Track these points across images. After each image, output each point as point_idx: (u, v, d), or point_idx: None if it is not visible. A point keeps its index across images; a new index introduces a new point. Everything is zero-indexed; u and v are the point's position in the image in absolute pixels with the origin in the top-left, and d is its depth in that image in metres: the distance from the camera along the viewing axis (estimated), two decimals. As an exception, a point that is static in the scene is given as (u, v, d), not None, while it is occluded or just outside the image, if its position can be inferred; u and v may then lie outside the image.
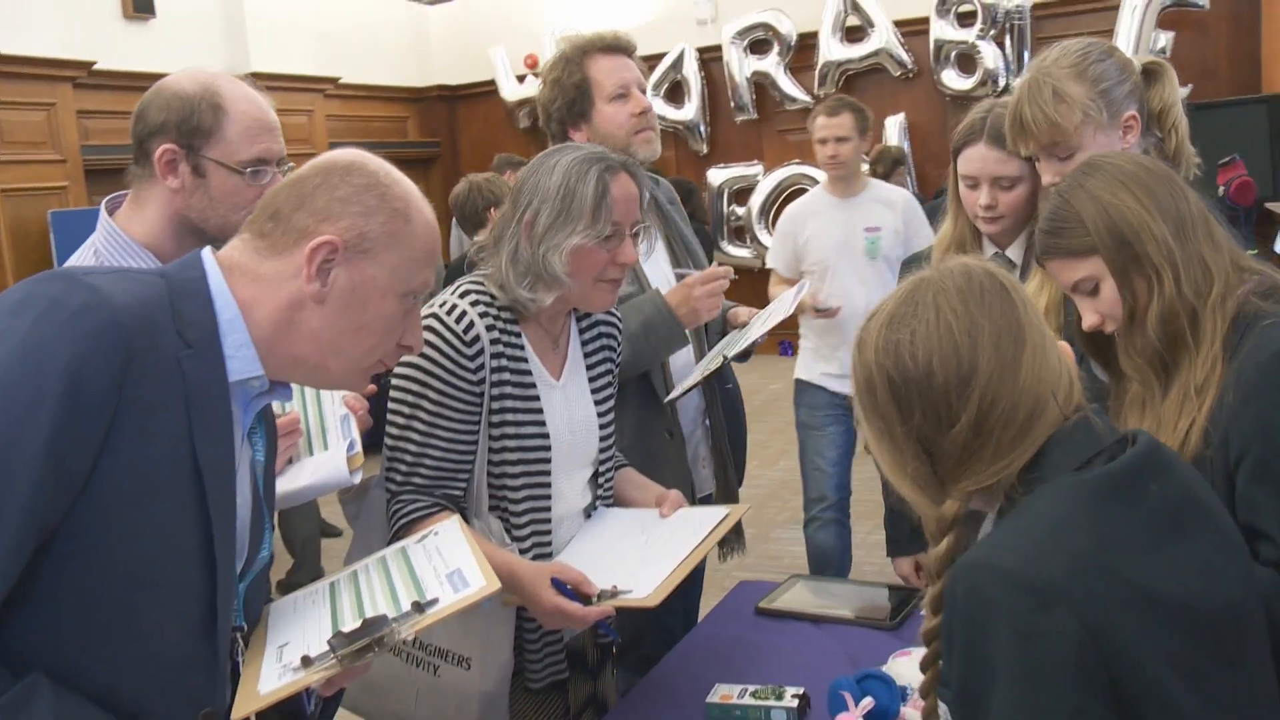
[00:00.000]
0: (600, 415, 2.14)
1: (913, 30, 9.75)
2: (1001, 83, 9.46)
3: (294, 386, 1.98)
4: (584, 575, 1.87)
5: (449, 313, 1.92)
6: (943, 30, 9.52)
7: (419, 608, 1.44)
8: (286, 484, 1.85)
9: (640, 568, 1.94)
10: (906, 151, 8.32)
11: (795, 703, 1.86)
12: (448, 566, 1.61)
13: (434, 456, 1.92)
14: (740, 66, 10.38)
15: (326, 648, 1.38)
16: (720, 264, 2.66)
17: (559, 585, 1.84)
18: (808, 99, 10.22)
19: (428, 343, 1.88)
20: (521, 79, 11.47)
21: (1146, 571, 1.06)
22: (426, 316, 1.91)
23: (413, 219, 1.42)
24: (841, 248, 4.21)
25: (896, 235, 4.18)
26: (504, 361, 1.96)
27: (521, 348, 2.00)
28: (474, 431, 1.95)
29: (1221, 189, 6.01)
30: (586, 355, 2.16)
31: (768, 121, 10.60)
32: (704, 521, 2.06)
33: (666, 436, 2.62)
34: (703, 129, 10.84)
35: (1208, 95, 8.19)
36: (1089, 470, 1.12)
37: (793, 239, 4.31)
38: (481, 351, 1.92)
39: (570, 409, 2.07)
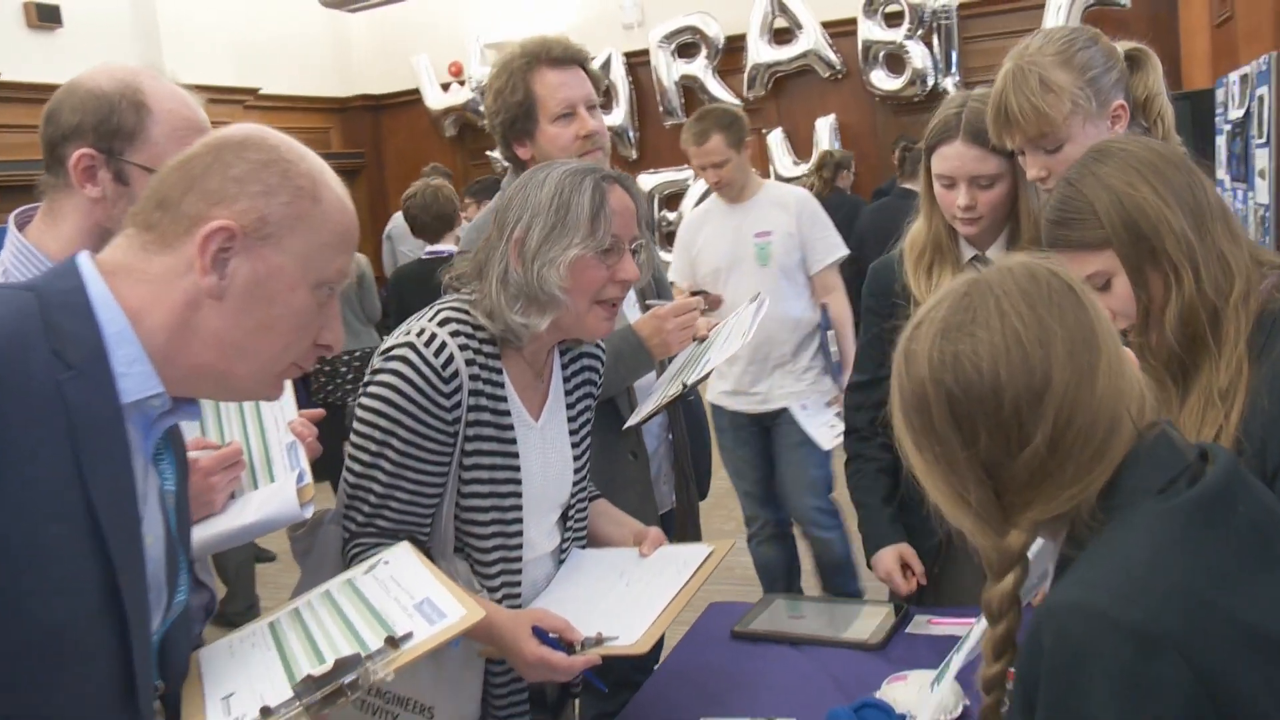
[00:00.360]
0: (575, 459, 2.00)
1: (841, 31, 9.74)
2: (930, 82, 9.51)
3: (234, 413, 1.85)
4: (567, 622, 1.73)
5: (427, 344, 1.75)
6: (870, 31, 9.52)
7: (393, 643, 1.29)
8: (230, 521, 1.69)
9: (624, 612, 1.81)
10: (849, 155, 8.22)
11: (789, 734, 1.75)
12: (412, 596, 1.48)
13: (400, 500, 1.77)
14: (668, 70, 10.28)
15: (289, 694, 1.23)
16: (694, 293, 2.55)
17: (540, 634, 1.70)
18: (737, 102, 10.17)
19: (401, 375, 1.73)
20: (446, 87, 11.28)
21: (1250, 606, 0.95)
22: (401, 346, 1.75)
23: (322, 198, 1.26)
24: (732, 256, 4.00)
25: (789, 238, 3.94)
26: (482, 400, 1.80)
27: (502, 385, 1.84)
28: (445, 474, 1.80)
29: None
30: (568, 393, 2.01)
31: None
32: (688, 561, 1.93)
33: (630, 458, 2.50)
34: (631, 134, 10.72)
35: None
36: (1174, 493, 1.00)
37: (687, 249, 4.13)
38: (459, 389, 1.76)
39: (546, 451, 1.93)
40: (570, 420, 1.99)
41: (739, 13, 9.83)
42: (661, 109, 10.46)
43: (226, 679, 1.38)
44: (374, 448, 1.75)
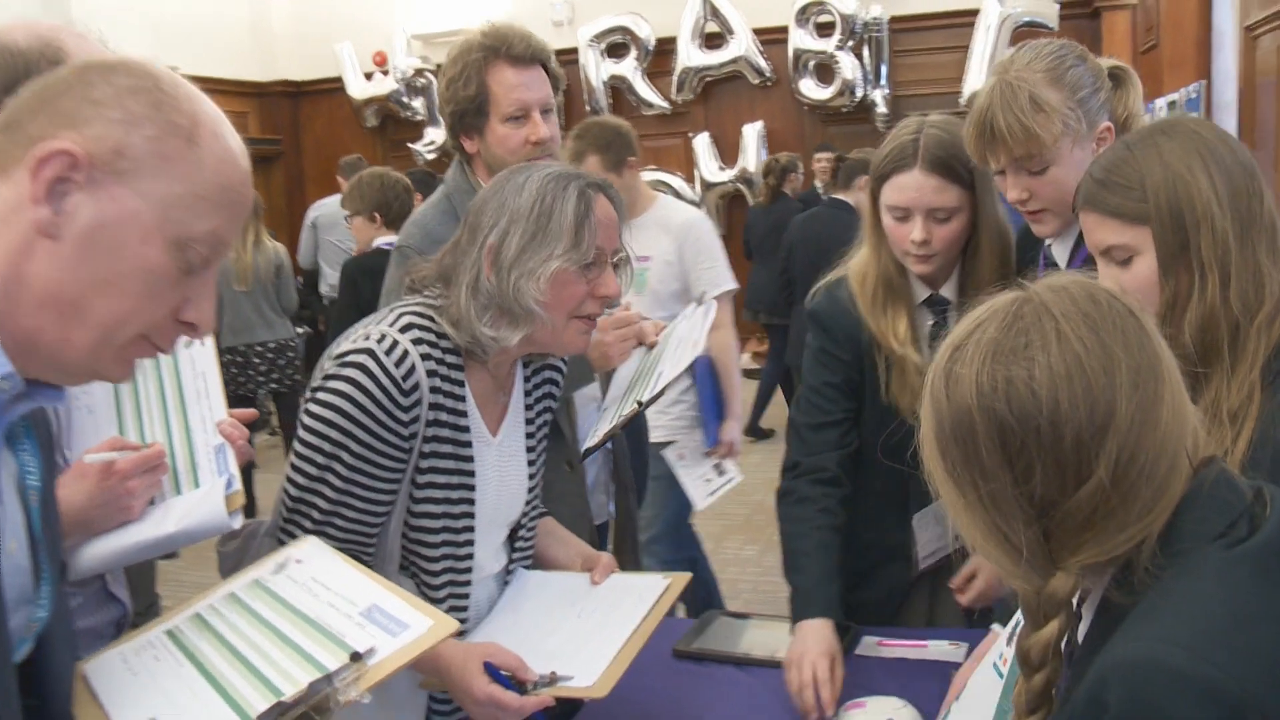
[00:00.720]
0: (531, 476, 1.88)
1: (772, 39, 9.77)
2: (859, 94, 9.57)
3: (157, 411, 1.70)
4: (521, 660, 1.60)
5: (388, 351, 1.60)
6: (802, 40, 9.56)
7: (357, 660, 1.16)
8: (150, 530, 1.55)
9: (578, 649, 1.70)
10: (795, 157, 8.14)
11: (743, 767, 1.67)
12: (354, 603, 1.36)
13: (347, 517, 1.63)
14: (597, 70, 10.20)
15: None
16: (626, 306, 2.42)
17: (492, 671, 1.57)
18: (665, 105, 10.16)
19: (357, 384, 1.59)
20: (369, 76, 11.05)
21: None
22: (359, 352, 1.61)
23: (201, 142, 1.04)
24: None
25: (668, 266, 3.60)
26: (442, 415, 1.67)
27: (463, 398, 1.71)
28: (396, 490, 1.66)
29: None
30: (528, 407, 1.89)
31: (625, 126, 10.44)
32: (644, 595, 1.82)
33: (566, 469, 2.39)
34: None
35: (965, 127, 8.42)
36: (1234, 538, 0.93)
37: None
38: (419, 402, 1.63)
39: (502, 468, 1.80)
40: (529, 436, 1.88)
41: (671, 15, 9.80)
42: (589, 109, 10.33)
43: (136, 701, 1.25)
44: (322, 460, 1.61)
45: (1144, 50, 6.79)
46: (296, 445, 1.63)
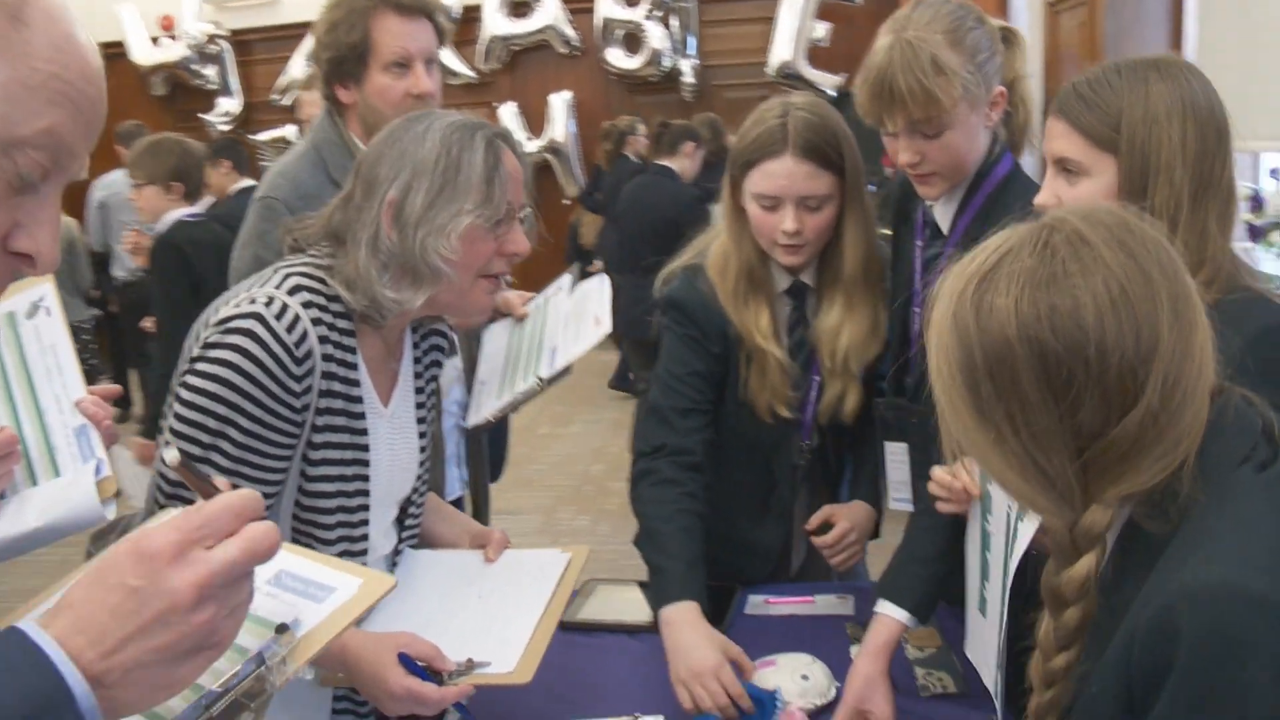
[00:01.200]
0: (422, 450, 1.77)
1: (580, 8, 9.70)
2: (667, 64, 9.61)
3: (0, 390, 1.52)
4: (437, 649, 1.50)
5: (278, 315, 1.47)
6: (610, 9, 9.53)
7: (284, 631, 1.02)
8: (7, 527, 1.38)
9: (488, 632, 1.61)
10: (634, 120, 8.04)
11: (662, 735, 1.63)
12: (255, 573, 1.22)
13: None
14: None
15: None
16: None
17: (407, 662, 1.46)
18: (471, 74, 9.97)
19: (245, 352, 1.44)
20: (156, 41, 10.39)
21: None
22: (245, 317, 1.46)
23: (31, 23, 0.83)
24: None
25: None
26: (335, 385, 1.54)
27: (355, 366, 1.58)
28: (287, 469, 1.53)
29: (890, 169, 6.33)
30: (417, 376, 1.77)
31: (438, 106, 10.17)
32: (545, 571, 1.75)
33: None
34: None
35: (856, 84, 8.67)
36: (1258, 460, 0.93)
37: None
38: (312, 370, 1.49)
39: (394, 441, 1.68)
40: (419, 406, 1.77)
41: (476, -19, 9.59)
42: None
43: None
44: (207, 438, 1.46)
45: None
46: (175, 423, 1.47)
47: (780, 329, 2.06)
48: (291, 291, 1.51)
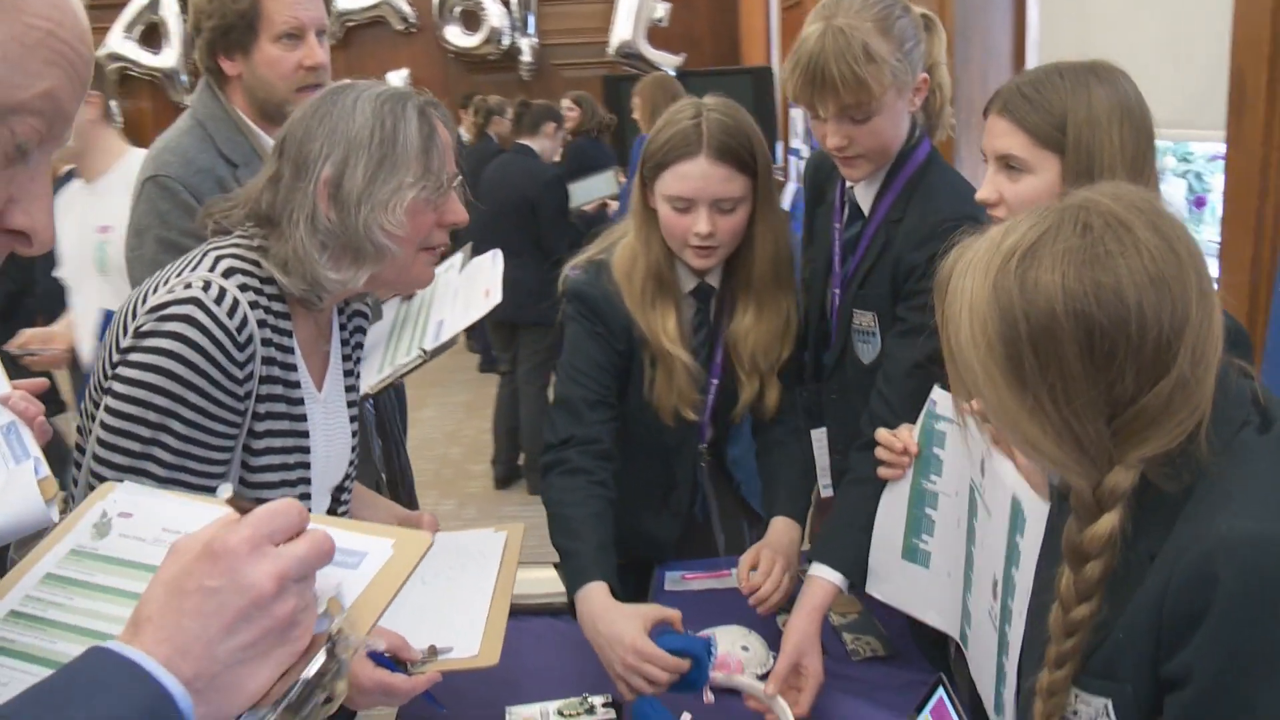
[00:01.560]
0: (354, 434, 1.73)
1: (420, -16, 9.53)
2: (506, 42, 9.53)
3: None
4: (403, 638, 1.47)
5: (217, 300, 1.41)
6: (454, -14, 9.40)
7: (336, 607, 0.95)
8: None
9: (442, 618, 1.60)
10: (504, 101, 7.91)
11: (613, 713, 1.65)
12: None
13: (180, 489, 1.41)
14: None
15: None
16: None
17: (374, 654, 1.43)
18: (305, 49, 9.66)
19: (185, 340, 1.38)
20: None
21: None
22: (181, 303, 1.39)
23: None
24: (78, 257, 3.03)
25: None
26: (275, 370, 1.49)
27: (291, 350, 1.54)
28: (230, 459, 1.48)
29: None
30: (345, 358, 1.73)
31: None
32: (485, 552, 1.74)
33: None
34: (184, 78, 9.80)
35: (694, 65, 8.83)
36: (1254, 423, 1.02)
37: None
38: (253, 356, 1.44)
39: (329, 426, 1.64)
40: (349, 390, 1.73)
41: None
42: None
43: None
44: (148, 432, 1.39)
45: (789, 6, 7.20)
46: (109, 419, 1.40)
47: (685, 333, 2.05)
48: (226, 274, 1.45)
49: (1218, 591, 0.93)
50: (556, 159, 5.98)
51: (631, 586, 2.09)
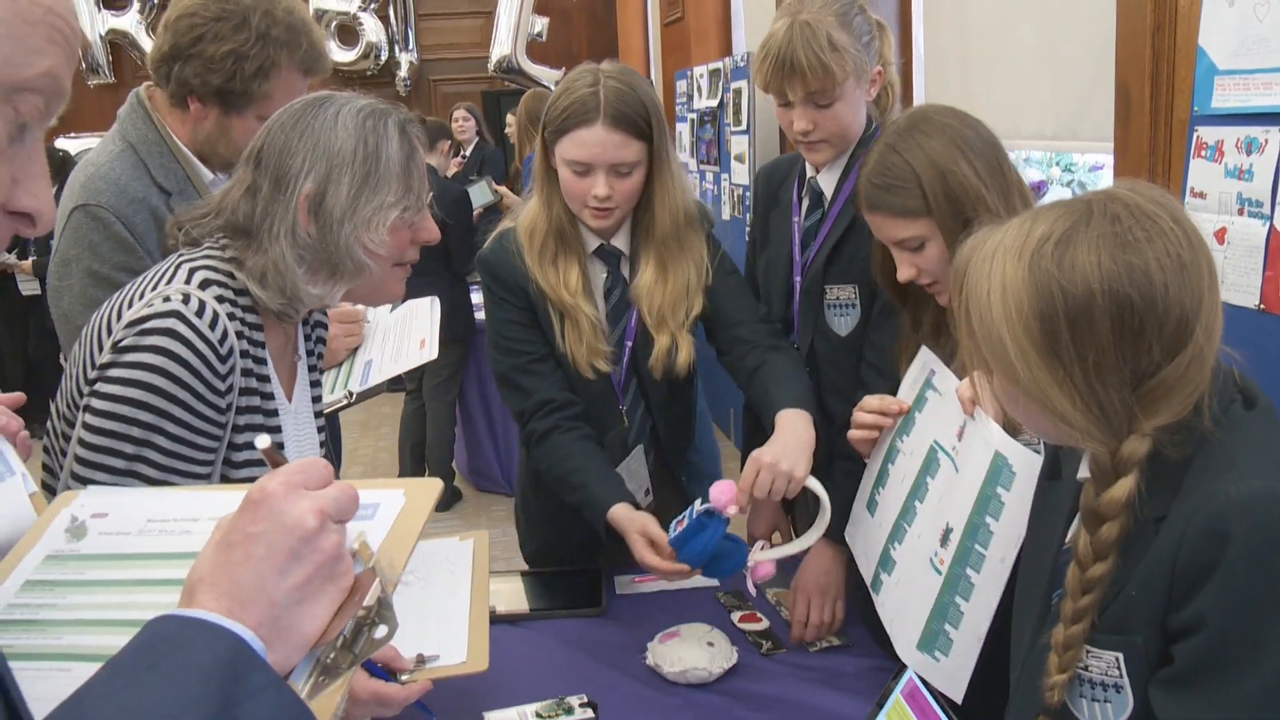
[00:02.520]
0: (321, 445, 1.75)
1: (292, -3, 9.37)
2: (384, 57, 9.46)
3: None
4: (395, 648, 1.48)
5: (198, 312, 1.41)
6: (322, 0, 9.26)
7: (365, 550, 0.96)
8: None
9: (424, 625, 1.63)
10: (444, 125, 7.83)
11: (590, 712, 1.70)
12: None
13: None
14: (93, 22, 9.22)
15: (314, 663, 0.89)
16: None
17: (368, 665, 1.43)
18: (174, 64, 9.42)
19: (168, 353, 1.38)
20: None
21: None
22: (164, 315, 1.39)
23: None
24: None
25: None
26: (252, 381, 1.50)
27: (265, 361, 1.55)
28: (212, 470, 1.48)
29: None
30: (311, 369, 1.74)
31: (127, 87, 9.34)
32: (454, 560, 1.78)
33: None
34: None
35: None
36: (1234, 400, 1.15)
37: None
38: (233, 369, 1.46)
39: (299, 435, 1.65)
40: (315, 400, 1.75)
41: (177, -34, 9.05)
42: (84, 66, 9.36)
43: None
44: (132, 448, 1.39)
45: (669, 22, 7.34)
46: (90, 436, 1.39)
47: (595, 289, 2.15)
48: (202, 286, 1.46)
49: (1229, 544, 1.03)
50: (449, 175, 5.98)
51: (582, 591, 2.16)
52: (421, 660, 1.54)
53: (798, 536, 2.09)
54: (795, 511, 2.36)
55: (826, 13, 1.99)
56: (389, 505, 1.10)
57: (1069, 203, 1.18)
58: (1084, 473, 1.24)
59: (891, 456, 1.78)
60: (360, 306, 2.31)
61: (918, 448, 1.70)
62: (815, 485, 1.83)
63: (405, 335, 2.34)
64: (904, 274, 1.73)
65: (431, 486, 1.14)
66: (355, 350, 2.40)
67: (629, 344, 2.18)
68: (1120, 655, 1.14)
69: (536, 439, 2.12)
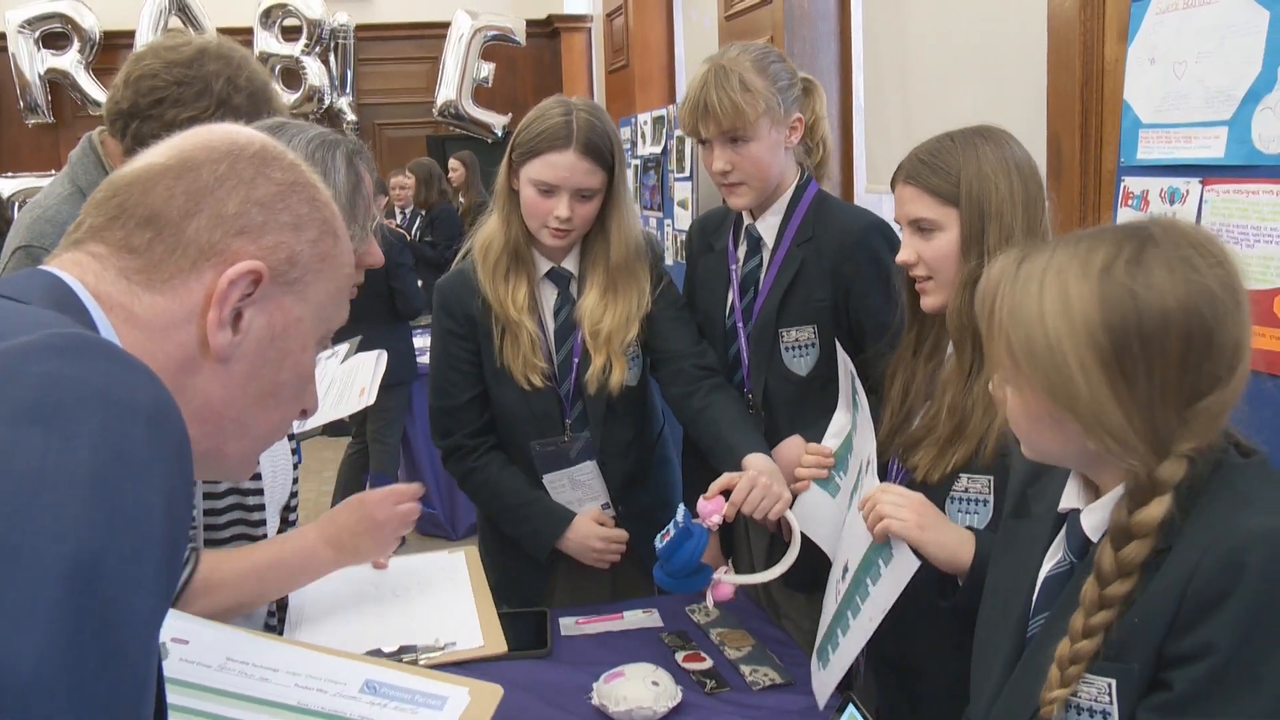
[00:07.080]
0: (294, 453, 1.78)
1: (237, 40, 9.31)
2: (326, 100, 9.45)
3: None
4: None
5: None
6: (267, 43, 9.23)
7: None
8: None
9: (432, 620, 1.70)
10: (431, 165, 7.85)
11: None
12: (337, 682, 1.31)
13: None
14: (32, 61, 9.13)
15: None
16: None
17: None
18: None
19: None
20: None
21: None
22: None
23: (341, 236, 1.01)
24: None
25: None
26: None
27: None
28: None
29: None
30: None
31: (66, 127, 9.41)
32: (450, 567, 1.84)
33: None
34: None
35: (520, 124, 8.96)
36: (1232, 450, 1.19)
37: None
38: None
39: (273, 450, 1.68)
40: None
41: (125, 6, 8.99)
42: (22, 105, 9.26)
43: None
44: None
45: (613, 70, 7.42)
46: None
47: (543, 309, 2.31)
48: None
49: (1245, 575, 1.06)
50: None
51: (529, 633, 2.16)
52: (438, 647, 1.65)
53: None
54: (736, 550, 2.42)
55: (745, 59, 2.14)
56: (454, 701, 1.23)
57: (1122, 228, 1.21)
58: (1068, 503, 1.29)
59: (847, 446, 1.90)
60: None
61: (848, 473, 1.82)
62: (791, 517, 1.93)
63: (348, 385, 2.39)
64: (904, 255, 1.78)
65: (493, 692, 1.28)
66: None
67: (575, 361, 2.31)
68: (1113, 682, 1.16)
69: (464, 474, 2.36)
